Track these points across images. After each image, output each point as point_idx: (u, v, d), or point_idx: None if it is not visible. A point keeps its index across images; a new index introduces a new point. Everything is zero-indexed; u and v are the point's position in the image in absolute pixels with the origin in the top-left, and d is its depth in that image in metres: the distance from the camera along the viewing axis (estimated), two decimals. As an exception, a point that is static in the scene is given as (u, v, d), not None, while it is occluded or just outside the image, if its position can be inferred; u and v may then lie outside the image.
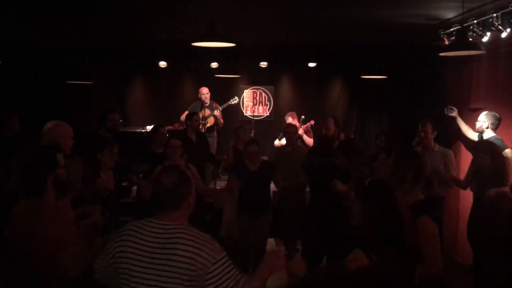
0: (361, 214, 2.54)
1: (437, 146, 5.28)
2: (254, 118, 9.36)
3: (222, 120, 8.30)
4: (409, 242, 2.66)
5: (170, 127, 8.39)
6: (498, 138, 5.20)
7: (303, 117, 8.10)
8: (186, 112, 8.16)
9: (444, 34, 5.49)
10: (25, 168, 2.92)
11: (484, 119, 5.29)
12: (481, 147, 4.82)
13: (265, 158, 7.25)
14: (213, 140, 8.12)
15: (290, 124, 6.54)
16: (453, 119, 5.80)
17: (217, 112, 8.06)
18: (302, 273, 2.38)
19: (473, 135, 5.67)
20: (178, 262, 2.12)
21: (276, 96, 9.98)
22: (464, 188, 5.26)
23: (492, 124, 5.24)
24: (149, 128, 8.10)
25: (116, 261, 2.24)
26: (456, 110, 5.82)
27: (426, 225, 2.72)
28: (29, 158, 2.98)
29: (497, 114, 5.28)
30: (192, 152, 5.71)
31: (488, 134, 5.25)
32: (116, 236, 2.30)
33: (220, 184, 7.32)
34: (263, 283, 2.34)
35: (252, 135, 8.05)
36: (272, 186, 5.72)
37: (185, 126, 7.94)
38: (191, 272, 2.10)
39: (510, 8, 4.33)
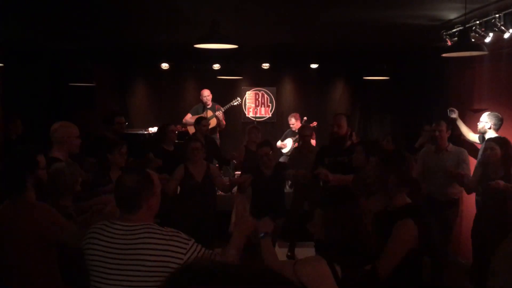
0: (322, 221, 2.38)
1: (450, 145, 5.17)
2: (256, 119, 9.36)
3: (224, 122, 8.30)
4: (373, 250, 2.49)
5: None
6: None
7: (305, 118, 8.10)
8: (189, 114, 8.18)
9: (446, 35, 5.49)
10: (5, 169, 2.91)
11: (486, 120, 5.24)
12: (494, 138, 4.77)
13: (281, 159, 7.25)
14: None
15: (305, 126, 6.45)
16: (454, 121, 5.78)
17: (219, 113, 8.07)
18: (271, 231, 2.56)
19: (473, 137, 5.65)
20: (149, 261, 2.10)
21: (278, 98, 9.98)
22: (469, 192, 5.13)
23: (494, 124, 5.19)
24: (151, 129, 8.13)
25: (87, 258, 2.25)
26: (456, 111, 5.81)
27: (403, 227, 2.61)
28: (9, 159, 2.99)
29: (499, 114, 5.25)
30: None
31: (490, 135, 5.17)
32: (85, 237, 2.29)
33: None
34: (238, 250, 2.41)
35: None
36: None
37: (186, 128, 7.99)
38: (165, 269, 2.09)
39: (513, 9, 4.34)
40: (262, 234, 2.54)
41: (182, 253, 2.14)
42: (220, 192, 5.86)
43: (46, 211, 2.82)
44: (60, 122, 4.02)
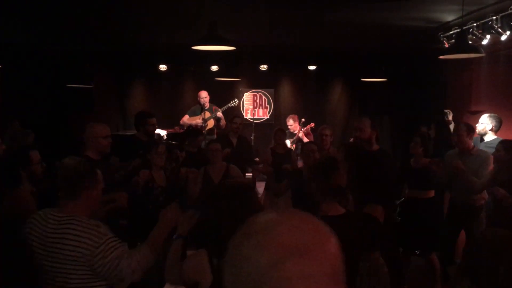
0: None
1: (476, 148, 4.81)
2: (254, 121, 9.36)
3: (224, 122, 8.31)
4: None
5: (170, 130, 8.41)
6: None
7: (303, 119, 8.11)
8: (186, 116, 8.17)
9: (444, 37, 5.51)
10: (1, 164, 3.18)
11: (487, 121, 5.15)
12: (507, 141, 4.56)
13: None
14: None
15: (325, 127, 6.03)
16: (448, 123, 5.77)
17: (220, 114, 8.07)
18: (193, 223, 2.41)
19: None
20: (68, 251, 2.26)
21: (276, 99, 10.00)
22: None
23: (495, 126, 5.13)
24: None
25: (28, 243, 2.41)
26: (450, 113, 5.80)
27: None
28: (5, 155, 3.32)
29: (498, 116, 5.24)
30: (232, 155, 5.80)
31: (490, 137, 5.13)
32: (25, 224, 2.44)
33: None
34: (157, 246, 2.43)
35: (252, 138, 8.05)
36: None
37: (183, 129, 8.02)
38: (79, 259, 2.26)
39: (510, 11, 4.35)
40: (175, 236, 2.39)
41: (94, 247, 2.25)
42: None
43: (20, 202, 3.02)
44: (90, 123, 4.21)
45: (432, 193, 4.73)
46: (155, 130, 5.68)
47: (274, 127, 9.67)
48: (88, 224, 2.31)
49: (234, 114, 7.13)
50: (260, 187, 6.69)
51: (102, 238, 2.28)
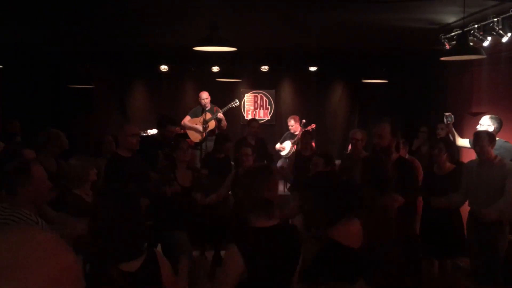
0: None
1: (498, 158, 4.43)
2: (255, 122, 9.34)
3: (225, 123, 8.31)
4: None
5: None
6: (506, 142, 5.09)
7: (304, 121, 8.11)
8: (187, 117, 8.17)
9: (445, 38, 5.50)
10: None
11: (489, 123, 5.11)
12: None
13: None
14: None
15: (356, 131, 5.90)
16: (447, 126, 5.71)
17: (220, 115, 8.08)
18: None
19: (463, 143, 5.54)
20: None
21: (277, 100, 10.00)
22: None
23: (497, 127, 5.09)
24: (150, 131, 8.12)
25: None
26: (452, 117, 5.71)
27: (226, 254, 2.48)
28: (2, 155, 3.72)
29: (499, 117, 5.20)
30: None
31: None
32: None
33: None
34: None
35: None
36: None
37: (185, 130, 8.01)
38: None
39: (511, 13, 4.35)
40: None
41: None
42: None
43: None
44: (122, 123, 4.62)
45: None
46: (172, 136, 5.90)
47: (275, 128, 9.73)
48: (26, 217, 2.55)
49: (252, 118, 7.25)
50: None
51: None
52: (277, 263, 2.40)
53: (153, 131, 8.08)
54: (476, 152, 4.52)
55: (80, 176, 3.72)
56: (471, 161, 4.69)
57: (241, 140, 6.83)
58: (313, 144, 7.53)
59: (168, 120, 5.89)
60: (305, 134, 6.34)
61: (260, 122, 9.76)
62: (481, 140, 4.40)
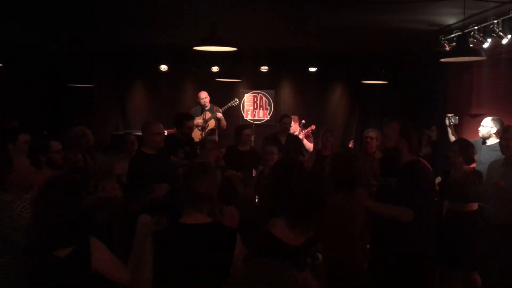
0: None
1: None
2: (255, 122, 9.35)
3: (225, 122, 8.30)
4: None
5: (170, 131, 8.40)
6: None
7: (303, 121, 8.10)
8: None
9: (445, 40, 5.50)
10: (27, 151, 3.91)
11: (491, 124, 5.06)
12: None
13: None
14: (213, 144, 8.13)
15: (370, 130, 5.76)
16: (447, 127, 5.68)
17: (219, 114, 8.07)
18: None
19: None
20: None
21: (276, 101, 9.99)
22: None
23: (498, 129, 5.02)
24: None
25: None
26: (457, 118, 5.66)
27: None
28: (30, 143, 4.06)
29: (500, 119, 5.13)
30: (282, 154, 5.79)
31: (494, 140, 5.04)
32: None
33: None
34: None
35: (252, 139, 8.03)
36: None
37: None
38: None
39: (511, 15, 4.35)
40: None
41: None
42: None
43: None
44: (145, 121, 4.73)
45: (475, 206, 4.24)
46: (191, 131, 5.95)
47: (275, 128, 9.72)
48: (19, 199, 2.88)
49: (283, 114, 6.98)
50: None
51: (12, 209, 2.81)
52: (189, 266, 2.23)
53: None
54: (502, 146, 4.44)
55: (106, 170, 3.87)
56: (496, 160, 4.60)
57: (270, 136, 6.72)
58: (311, 145, 7.50)
59: (183, 116, 5.89)
60: (325, 132, 6.12)
61: (259, 122, 9.79)
62: (508, 136, 4.33)
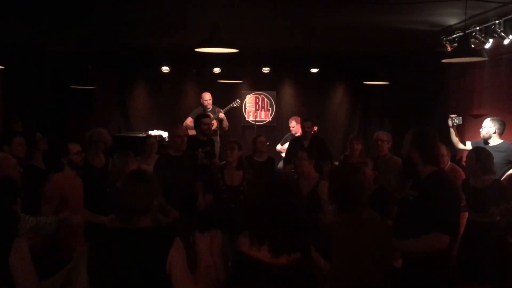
0: None
1: None
2: (256, 123, 9.36)
3: (227, 123, 8.31)
4: None
5: (192, 132, 8.39)
6: (511, 144, 5.04)
7: (315, 128, 8.06)
8: (189, 118, 8.16)
9: (446, 40, 5.51)
10: (47, 153, 4.36)
11: (490, 125, 5.10)
12: None
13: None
14: (216, 145, 8.11)
15: (381, 132, 5.67)
16: (451, 127, 5.65)
17: (222, 115, 8.08)
18: None
19: (463, 147, 5.54)
20: None
21: (278, 102, 9.99)
22: None
23: (498, 129, 5.07)
24: (151, 133, 8.11)
25: None
26: (460, 118, 5.62)
27: None
28: (50, 146, 4.42)
29: (501, 119, 5.17)
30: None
31: (496, 141, 5.07)
32: None
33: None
34: None
35: (267, 145, 7.97)
36: None
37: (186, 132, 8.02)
38: None
39: (513, 15, 4.35)
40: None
41: None
42: None
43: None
44: (171, 125, 5.03)
45: (497, 216, 4.00)
46: (210, 128, 5.99)
47: (276, 129, 9.73)
48: None
49: (304, 118, 6.90)
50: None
51: None
52: (121, 274, 2.15)
53: (155, 132, 8.08)
54: None
55: (121, 171, 4.10)
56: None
57: (295, 141, 6.65)
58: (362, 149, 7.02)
59: (199, 115, 6.05)
60: (351, 140, 5.70)
61: (261, 123, 9.80)
62: None
